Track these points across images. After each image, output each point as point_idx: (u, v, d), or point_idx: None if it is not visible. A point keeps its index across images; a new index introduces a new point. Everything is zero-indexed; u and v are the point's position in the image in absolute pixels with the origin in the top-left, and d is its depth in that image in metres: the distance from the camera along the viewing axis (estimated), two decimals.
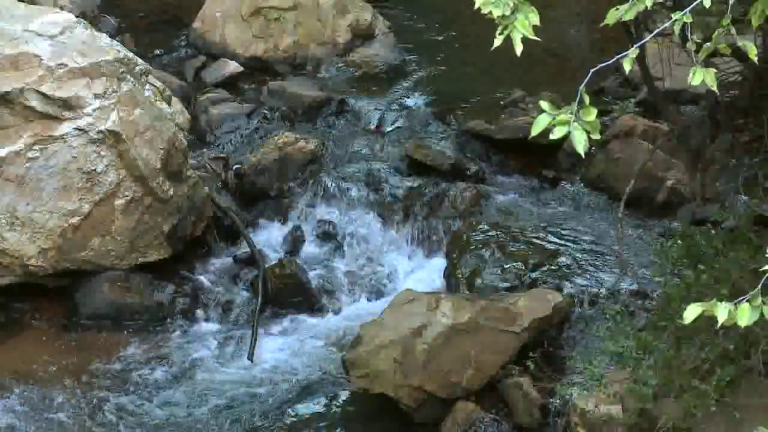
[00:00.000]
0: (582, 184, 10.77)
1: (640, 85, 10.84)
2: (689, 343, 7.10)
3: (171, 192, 9.74)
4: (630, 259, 9.32)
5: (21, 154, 9.27)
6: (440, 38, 13.09)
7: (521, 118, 10.96)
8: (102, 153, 9.39)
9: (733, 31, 4.52)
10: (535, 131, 4.31)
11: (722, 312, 4.24)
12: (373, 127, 11.31)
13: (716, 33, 4.53)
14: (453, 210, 10.34)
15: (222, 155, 10.96)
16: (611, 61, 4.55)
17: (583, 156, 4.31)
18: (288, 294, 9.86)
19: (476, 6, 4.40)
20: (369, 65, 12.55)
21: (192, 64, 12.40)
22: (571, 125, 4.25)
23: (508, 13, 4.35)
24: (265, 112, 11.56)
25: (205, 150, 11.11)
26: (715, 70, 4.45)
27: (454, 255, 9.85)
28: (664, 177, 10.27)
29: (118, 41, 10.39)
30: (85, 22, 10.11)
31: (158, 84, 10.07)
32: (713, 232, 7.66)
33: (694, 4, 4.36)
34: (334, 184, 10.64)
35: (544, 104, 4.31)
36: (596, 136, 4.29)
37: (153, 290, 9.72)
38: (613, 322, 7.75)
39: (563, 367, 8.74)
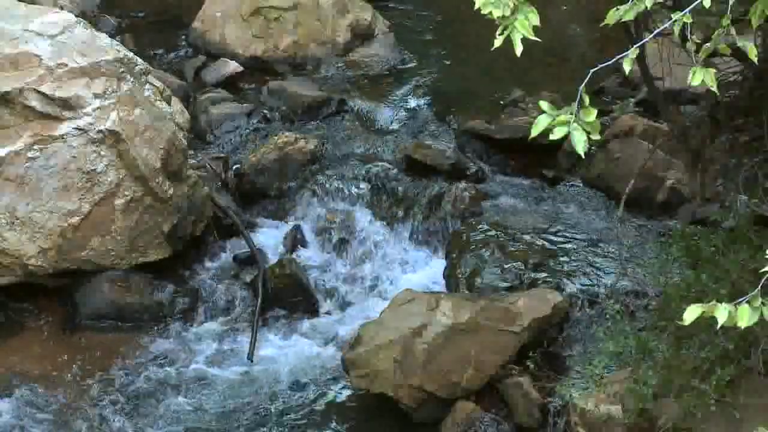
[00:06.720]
0: (582, 184, 10.75)
1: (640, 85, 10.84)
2: (689, 343, 7.10)
3: (171, 192, 9.74)
4: (630, 259, 9.30)
5: (21, 154, 9.26)
6: (440, 38, 13.08)
7: (521, 118, 10.95)
8: (102, 153, 9.38)
9: (733, 31, 4.52)
10: (535, 132, 4.31)
11: (722, 313, 4.23)
12: None
13: (716, 33, 4.53)
14: (453, 210, 10.33)
15: (222, 155, 10.96)
16: (611, 61, 4.55)
17: (583, 156, 4.31)
18: (288, 294, 9.85)
19: (476, 6, 4.40)
20: (369, 65, 12.55)
21: (192, 64, 12.40)
22: (571, 126, 4.25)
23: (508, 13, 4.35)
24: (265, 112, 11.56)
25: (205, 150, 11.11)
26: (715, 70, 4.45)
27: (454, 255, 9.83)
28: (664, 177, 10.26)
29: (118, 41, 10.38)
30: (85, 22, 10.11)
31: (158, 84, 10.05)
32: (713, 232, 7.65)
33: (694, 4, 4.36)
34: (333, 184, 10.63)
35: (544, 104, 4.31)
36: (596, 137, 4.28)
37: (153, 290, 9.71)
38: (613, 322, 7.75)
39: (563, 367, 8.73)
